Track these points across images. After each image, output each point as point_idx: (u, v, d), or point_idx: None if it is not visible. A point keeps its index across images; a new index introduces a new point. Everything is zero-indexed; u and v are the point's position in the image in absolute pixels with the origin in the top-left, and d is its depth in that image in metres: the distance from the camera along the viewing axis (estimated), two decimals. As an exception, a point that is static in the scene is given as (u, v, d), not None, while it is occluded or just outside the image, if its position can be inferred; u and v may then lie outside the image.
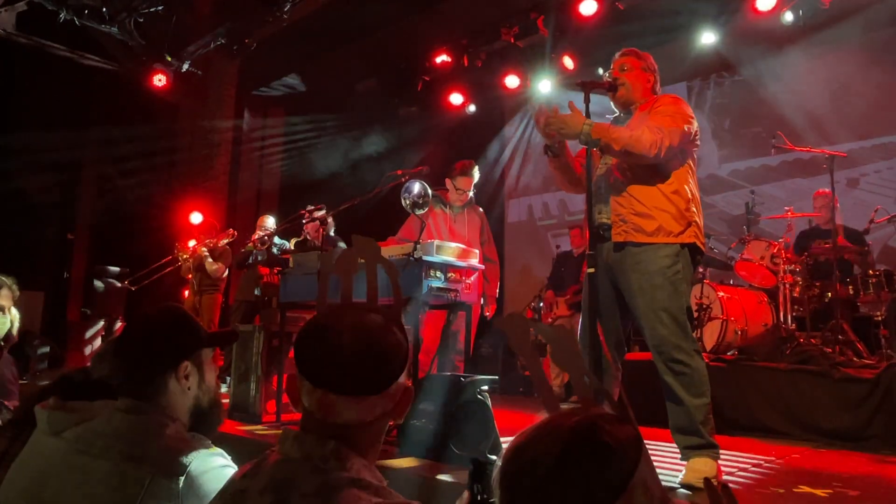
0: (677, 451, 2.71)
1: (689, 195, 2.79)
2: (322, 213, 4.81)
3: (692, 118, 2.78)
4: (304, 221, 5.15)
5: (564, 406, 0.90)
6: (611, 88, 2.91)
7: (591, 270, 2.68)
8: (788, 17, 6.23)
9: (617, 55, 3.01)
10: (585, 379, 0.93)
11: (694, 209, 2.77)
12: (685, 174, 2.80)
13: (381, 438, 1.16)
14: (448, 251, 3.59)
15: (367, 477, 1.05)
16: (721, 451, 2.73)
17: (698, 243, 2.78)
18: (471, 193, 4.57)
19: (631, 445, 0.81)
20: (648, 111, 2.80)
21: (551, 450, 0.78)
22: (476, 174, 4.53)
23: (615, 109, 3.03)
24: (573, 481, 0.76)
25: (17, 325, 4.31)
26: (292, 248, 6.02)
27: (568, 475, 0.77)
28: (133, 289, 6.44)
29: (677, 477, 2.61)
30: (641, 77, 2.95)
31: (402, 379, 1.12)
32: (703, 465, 2.57)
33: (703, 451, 2.61)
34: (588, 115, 2.72)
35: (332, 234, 5.84)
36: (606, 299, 2.84)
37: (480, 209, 4.65)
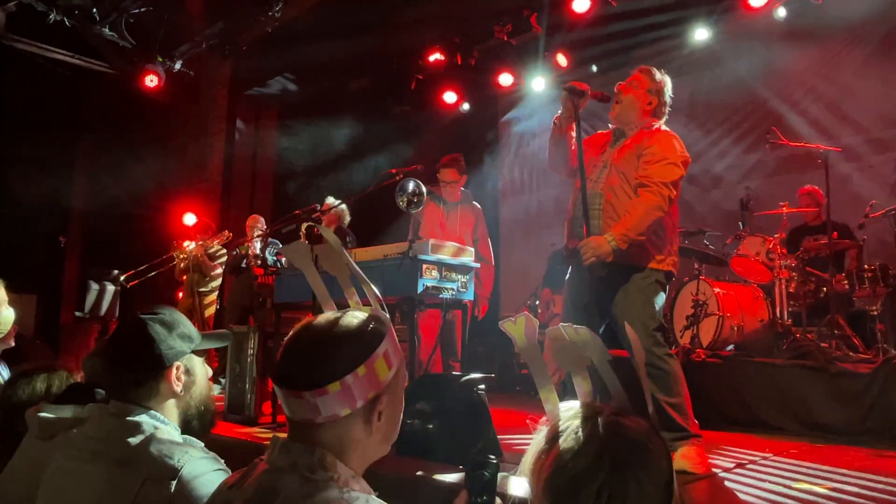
0: None
1: (673, 223, 3.00)
2: (339, 204, 4.81)
3: (686, 156, 2.92)
4: (320, 211, 5.14)
5: (565, 405, 0.90)
6: (599, 99, 2.99)
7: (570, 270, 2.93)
8: (781, 12, 6.23)
9: (635, 70, 3.10)
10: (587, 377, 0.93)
11: (674, 238, 3.01)
12: (673, 203, 2.92)
13: (369, 449, 1.11)
14: (443, 250, 3.57)
15: (355, 487, 1.03)
16: (719, 448, 2.94)
17: (674, 271, 3.02)
18: (465, 188, 4.54)
19: (662, 445, 0.86)
20: (640, 148, 2.91)
21: (599, 461, 0.81)
22: (460, 166, 4.47)
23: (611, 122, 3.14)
24: (629, 490, 0.80)
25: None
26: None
27: (623, 484, 0.80)
28: (128, 286, 6.36)
29: None
30: (643, 98, 3.02)
31: (357, 380, 1.04)
32: (687, 451, 2.78)
33: (685, 439, 2.80)
34: (578, 120, 2.88)
35: (345, 226, 5.73)
36: (581, 307, 3.02)
37: (478, 206, 4.60)
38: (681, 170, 2.88)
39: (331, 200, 5.26)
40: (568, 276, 3.18)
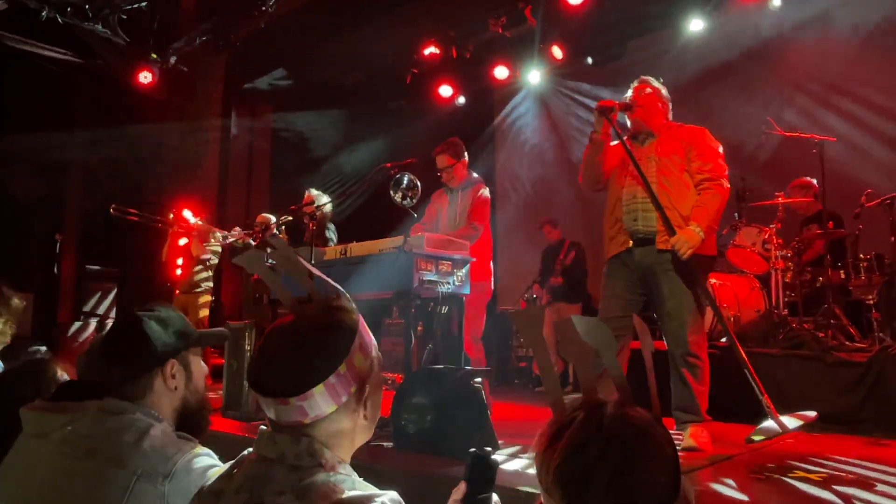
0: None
1: None
2: (319, 195, 4.77)
3: (720, 145, 3.32)
4: (302, 203, 5.11)
5: (570, 397, 0.92)
6: (625, 108, 3.33)
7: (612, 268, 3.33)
8: (776, 2, 6.23)
9: (636, 82, 3.44)
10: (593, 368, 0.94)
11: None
12: None
13: (356, 436, 1.13)
14: (439, 243, 3.57)
15: (343, 472, 1.05)
16: (716, 438, 3.11)
17: (714, 253, 3.34)
18: (473, 171, 4.43)
19: (666, 434, 0.87)
20: (686, 143, 3.26)
21: (609, 450, 0.83)
22: (452, 150, 4.32)
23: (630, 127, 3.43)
24: (639, 478, 0.82)
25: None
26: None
27: (633, 472, 0.82)
28: (111, 213, 6.16)
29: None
30: (658, 101, 3.39)
31: (340, 378, 1.06)
32: (696, 431, 3.10)
33: (698, 422, 3.14)
34: (617, 131, 3.28)
35: (327, 220, 5.68)
36: (633, 294, 3.29)
37: (479, 187, 4.33)
38: (723, 156, 3.29)
39: (313, 192, 5.25)
40: (610, 273, 3.37)
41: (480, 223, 4.21)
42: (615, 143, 3.40)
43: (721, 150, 3.29)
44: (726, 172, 3.25)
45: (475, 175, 4.43)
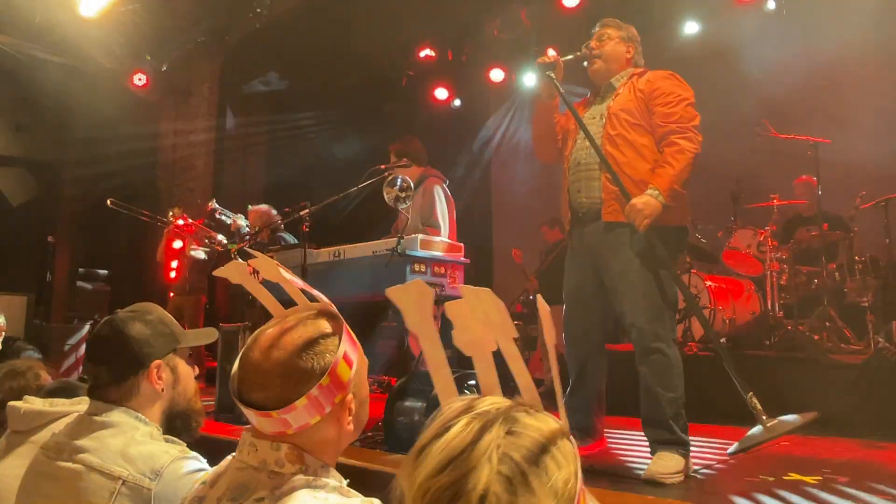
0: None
1: None
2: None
3: (692, 92, 2.69)
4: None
5: (464, 397, 0.80)
6: (578, 61, 2.82)
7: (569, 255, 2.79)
8: (770, 5, 6.24)
9: (597, 26, 2.92)
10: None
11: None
12: None
13: (341, 441, 1.12)
14: (433, 245, 3.55)
15: (324, 477, 1.04)
16: (710, 440, 2.87)
17: (687, 225, 2.75)
18: (429, 169, 4.33)
19: (569, 451, 0.70)
20: (644, 92, 2.67)
21: (485, 465, 0.65)
22: (396, 152, 4.20)
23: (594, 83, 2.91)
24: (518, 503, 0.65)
25: None
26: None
27: (512, 495, 0.64)
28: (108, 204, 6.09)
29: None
30: (619, 47, 2.83)
31: (322, 390, 1.04)
32: (669, 460, 2.45)
33: (672, 447, 2.49)
34: (560, 92, 2.73)
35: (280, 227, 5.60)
36: (589, 286, 2.75)
37: (430, 181, 4.21)
38: (692, 102, 2.64)
39: (254, 206, 5.31)
40: (568, 258, 2.88)
41: (437, 220, 4.11)
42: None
43: (692, 97, 2.64)
44: (697, 121, 2.58)
45: (430, 169, 4.31)
